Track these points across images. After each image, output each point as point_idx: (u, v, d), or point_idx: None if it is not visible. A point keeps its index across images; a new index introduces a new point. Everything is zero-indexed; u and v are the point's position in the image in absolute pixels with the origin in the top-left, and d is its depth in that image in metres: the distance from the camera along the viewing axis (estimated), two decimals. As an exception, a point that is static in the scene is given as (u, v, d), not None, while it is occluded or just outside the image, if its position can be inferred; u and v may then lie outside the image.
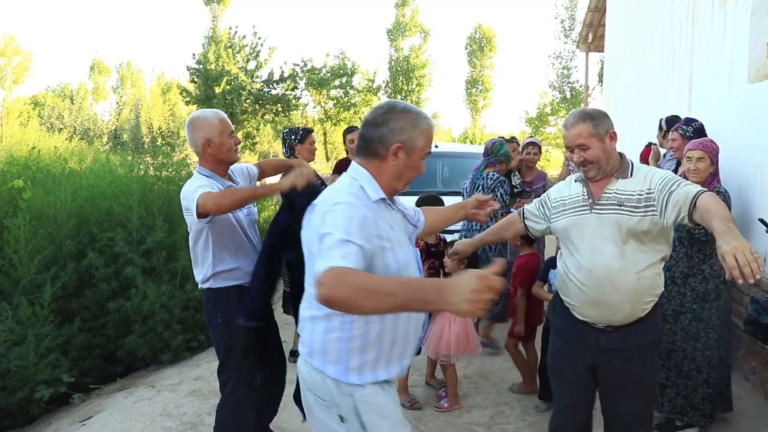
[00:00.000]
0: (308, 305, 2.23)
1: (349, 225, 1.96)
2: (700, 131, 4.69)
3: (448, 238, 5.48)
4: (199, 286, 3.54)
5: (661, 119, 5.83)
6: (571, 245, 2.89)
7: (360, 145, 2.25)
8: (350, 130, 6.62)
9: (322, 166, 29.91)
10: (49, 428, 4.94)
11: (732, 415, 4.26)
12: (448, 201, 5.10)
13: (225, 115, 3.51)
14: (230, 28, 26.70)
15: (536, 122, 34.87)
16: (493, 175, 5.96)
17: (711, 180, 4.01)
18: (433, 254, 4.87)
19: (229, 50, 25.64)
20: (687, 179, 4.51)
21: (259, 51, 26.24)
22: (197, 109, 15.07)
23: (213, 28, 27.66)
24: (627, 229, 2.69)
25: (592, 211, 2.81)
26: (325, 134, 31.10)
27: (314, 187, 3.15)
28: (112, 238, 5.98)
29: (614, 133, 2.81)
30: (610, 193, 2.78)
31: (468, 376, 5.15)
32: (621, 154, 2.85)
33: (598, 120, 2.76)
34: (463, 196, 6.09)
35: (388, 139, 2.17)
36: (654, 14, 7.90)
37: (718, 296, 3.99)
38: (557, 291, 3.09)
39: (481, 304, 1.61)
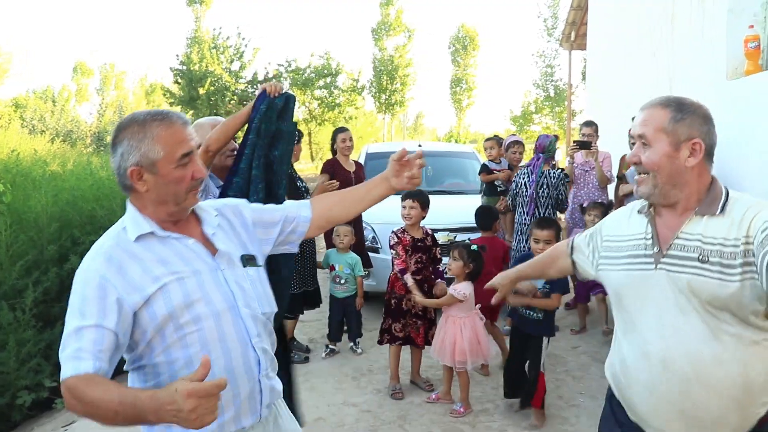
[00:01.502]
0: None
1: (83, 302, 1.70)
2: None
3: (438, 236, 5.51)
4: None
5: (634, 117, 5.91)
6: (627, 316, 2.03)
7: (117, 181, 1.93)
8: (341, 130, 6.61)
9: (307, 167, 29.89)
10: (30, 434, 4.91)
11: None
12: (433, 199, 5.16)
13: (222, 120, 3.58)
14: (214, 29, 26.63)
15: (521, 120, 35.00)
16: (555, 172, 6.11)
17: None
18: (420, 249, 4.87)
19: (213, 51, 25.55)
20: None
21: (243, 51, 26.17)
22: (181, 110, 15.16)
23: (196, 29, 27.56)
24: (712, 298, 1.80)
25: (658, 266, 1.92)
26: (310, 134, 31.05)
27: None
28: (94, 242, 5.92)
29: (701, 145, 1.89)
30: (690, 239, 1.87)
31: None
32: (713, 180, 1.95)
33: (686, 116, 1.89)
34: (518, 198, 6.21)
35: (123, 167, 1.82)
36: (634, 12, 7.96)
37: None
38: (611, 391, 2.17)
39: (207, 413, 1.46)
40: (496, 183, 6.95)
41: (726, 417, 1.83)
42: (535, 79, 34.26)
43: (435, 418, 4.42)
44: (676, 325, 1.86)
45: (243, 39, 26.08)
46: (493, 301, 2.74)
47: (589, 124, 6.72)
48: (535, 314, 4.29)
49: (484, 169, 7.03)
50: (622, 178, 6.25)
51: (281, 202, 2.47)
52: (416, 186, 2.21)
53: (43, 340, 5.40)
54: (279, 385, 2.03)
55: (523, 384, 4.42)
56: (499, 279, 2.72)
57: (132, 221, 1.86)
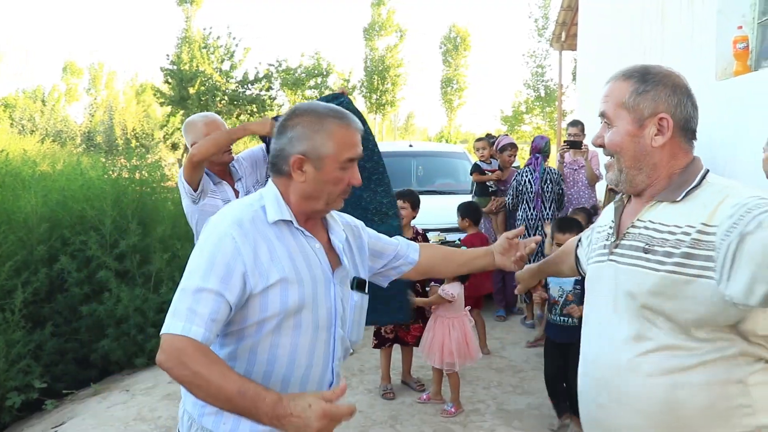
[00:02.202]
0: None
1: (210, 264, 1.66)
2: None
3: (429, 236, 5.53)
4: None
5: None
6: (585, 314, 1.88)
7: (269, 161, 1.92)
8: None
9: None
10: (20, 436, 4.89)
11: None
12: (424, 199, 5.17)
13: (215, 119, 3.65)
14: (204, 29, 26.51)
15: (511, 121, 35.05)
16: (554, 169, 6.44)
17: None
18: None
19: (204, 51, 25.44)
20: None
21: (234, 51, 26.07)
22: (171, 110, 15.07)
23: (186, 28, 27.44)
24: (647, 296, 1.56)
25: (609, 258, 1.72)
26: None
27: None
28: (84, 242, 5.90)
29: (669, 121, 1.60)
30: (641, 227, 1.65)
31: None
32: (693, 161, 1.66)
33: (649, 87, 1.61)
34: (522, 195, 6.39)
35: (287, 152, 1.79)
36: (625, 13, 7.99)
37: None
38: None
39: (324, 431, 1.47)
40: (487, 183, 6.96)
41: None
42: (526, 80, 34.31)
43: (426, 418, 4.43)
44: (605, 324, 1.69)
45: (234, 39, 25.98)
46: (516, 292, 2.67)
47: (575, 123, 6.76)
48: (571, 321, 4.14)
49: (476, 169, 7.04)
50: None
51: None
52: (519, 268, 2.30)
53: (33, 341, 5.38)
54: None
55: (562, 392, 4.23)
56: (522, 272, 2.51)
57: (276, 204, 1.80)
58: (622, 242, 1.67)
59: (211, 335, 1.61)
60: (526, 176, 6.35)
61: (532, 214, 6.27)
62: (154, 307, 5.90)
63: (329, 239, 1.92)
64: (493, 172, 6.99)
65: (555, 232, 4.44)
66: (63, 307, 5.87)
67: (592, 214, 5.72)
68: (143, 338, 5.79)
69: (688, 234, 1.50)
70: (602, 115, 1.70)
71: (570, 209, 6.33)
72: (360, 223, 2.15)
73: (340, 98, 3.57)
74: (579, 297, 4.10)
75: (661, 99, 1.60)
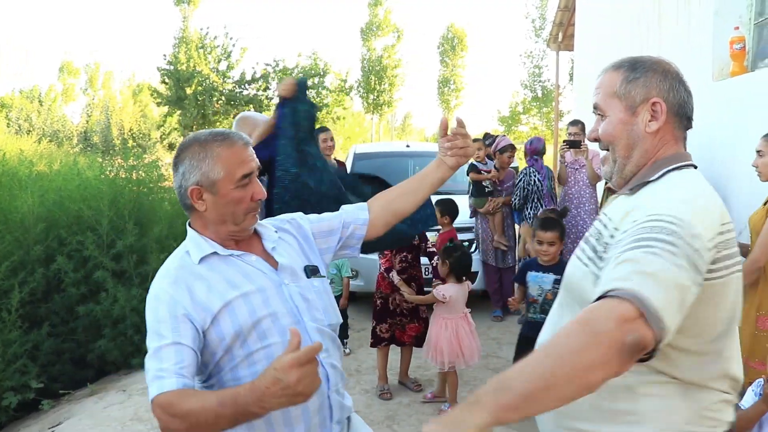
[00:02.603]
0: None
1: (157, 324, 1.71)
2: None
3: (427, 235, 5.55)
4: None
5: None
6: None
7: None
8: (322, 129, 6.58)
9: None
10: (17, 436, 4.88)
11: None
12: None
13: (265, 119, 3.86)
14: (201, 29, 26.50)
15: (508, 121, 35.08)
16: (550, 169, 6.83)
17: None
18: (405, 248, 4.88)
19: (201, 51, 25.43)
20: None
21: (231, 51, 26.07)
22: (168, 111, 15.07)
23: (184, 28, 27.41)
24: (574, 289, 1.61)
25: (577, 251, 1.73)
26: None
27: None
28: (81, 242, 5.89)
29: (662, 105, 1.57)
30: (597, 220, 1.67)
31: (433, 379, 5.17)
32: (677, 154, 1.60)
33: (640, 74, 1.59)
34: (532, 194, 6.60)
35: (184, 186, 1.83)
36: (622, 14, 8.00)
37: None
38: None
39: (311, 380, 1.46)
40: (483, 183, 6.96)
41: (540, 419, 1.65)
42: (523, 80, 34.36)
43: (423, 418, 4.43)
44: (551, 315, 1.72)
45: (230, 39, 25.98)
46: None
47: (576, 123, 6.78)
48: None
49: (473, 169, 7.05)
50: None
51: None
52: (468, 156, 2.12)
53: (30, 341, 5.37)
54: (349, 401, 2.00)
55: None
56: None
57: (194, 244, 1.86)
58: (587, 235, 1.68)
59: (187, 380, 1.63)
60: (534, 177, 6.52)
61: (539, 209, 6.44)
62: (150, 308, 5.89)
63: (263, 246, 1.96)
64: (488, 172, 7.00)
65: (537, 230, 4.40)
66: (60, 307, 5.86)
67: (562, 215, 5.73)
68: (140, 338, 5.78)
69: (608, 230, 1.52)
70: (595, 107, 1.69)
71: (570, 208, 6.38)
72: (298, 215, 2.16)
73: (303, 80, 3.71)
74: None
75: (652, 84, 1.58)
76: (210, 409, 1.54)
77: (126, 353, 5.78)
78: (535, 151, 6.68)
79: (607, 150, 1.68)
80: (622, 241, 1.36)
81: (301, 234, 2.08)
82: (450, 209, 5.89)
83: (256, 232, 1.97)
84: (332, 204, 2.48)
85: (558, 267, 4.20)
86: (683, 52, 5.79)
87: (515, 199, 6.67)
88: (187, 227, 1.92)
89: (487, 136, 7.69)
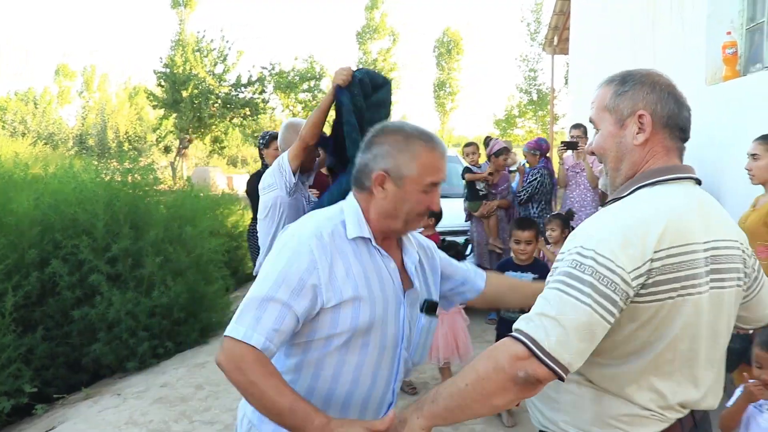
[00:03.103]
0: None
1: (285, 273, 1.68)
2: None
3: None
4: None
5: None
6: None
7: (353, 174, 1.92)
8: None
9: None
10: (11, 440, 4.87)
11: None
12: None
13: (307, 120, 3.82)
14: (198, 32, 26.49)
15: (504, 124, 35.13)
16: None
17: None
18: None
19: (197, 54, 25.41)
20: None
21: (227, 55, 26.06)
22: (164, 113, 15.06)
23: (180, 31, 27.39)
24: None
25: None
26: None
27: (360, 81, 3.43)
28: (76, 246, 5.89)
29: (648, 117, 1.60)
30: None
31: (436, 377, 5.17)
32: (670, 167, 1.62)
33: (628, 88, 1.63)
34: (539, 195, 6.74)
35: (371, 168, 1.81)
36: (616, 18, 8.03)
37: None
38: None
39: None
40: (478, 188, 6.97)
41: None
42: (519, 83, 34.42)
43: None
44: None
45: (227, 42, 25.98)
46: None
47: (578, 126, 6.82)
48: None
49: (467, 171, 7.07)
50: None
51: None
52: None
53: (24, 345, 5.37)
54: None
55: None
56: None
57: (356, 219, 1.81)
58: None
59: (272, 345, 1.63)
60: (547, 178, 6.69)
61: (545, 211, 6.62)
62: (145, 311, 5.89)
63: (402, 259, 1.93)
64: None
65: (515, 230, 4.43)
66: (54, 311, 5.86)
67: (569, 217, 5.72)
68: (135, 342, 5.78)
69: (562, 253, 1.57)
70: (590, 120, 1.73)
71: (568, 210, 6.39)
72: (432, 244, 2.14)
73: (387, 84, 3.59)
74: None
75: (639, 97, 1.61)
76: (280, 404, 1.56)
77: (121, 357, 5.78)
78: (546, 151, 6.87)
79: (602, 162, 1.73)
80: (555, 270, 1.52)
81: (432, 265, 2.07)
82: (435, 213, 5.91)
83: (398, 241, 1.95)
84: None
85: (534, 266, 4.26)
86: (677, 56, 5.82)
87: (523, 195, 6.76)
88: (351, 197, 1.88)
89: (489, 139, 7.69)
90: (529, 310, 1.50)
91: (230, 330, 1.63)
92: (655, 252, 1.44)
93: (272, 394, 1.57)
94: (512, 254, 4.47)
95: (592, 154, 1.75)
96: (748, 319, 1.84)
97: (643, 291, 1.45)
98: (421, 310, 1.90)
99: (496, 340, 4.38)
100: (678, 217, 1.51)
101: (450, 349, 4.51)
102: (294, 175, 3.59)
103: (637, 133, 1.60)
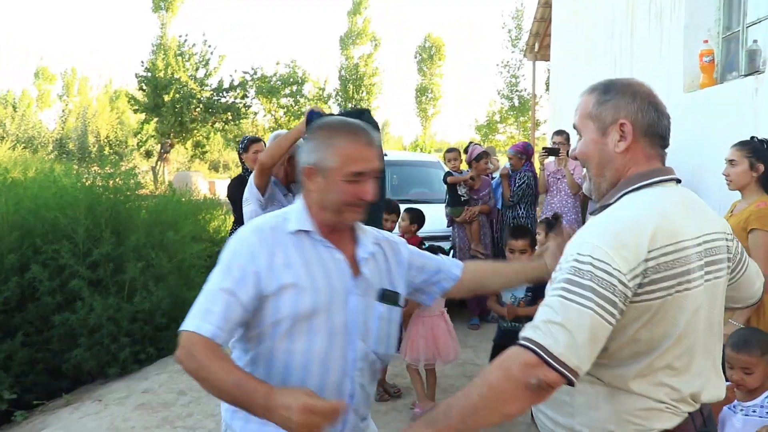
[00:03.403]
0: None
1: (228, 265, 1.81)
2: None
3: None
4: None
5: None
6: None
7: None
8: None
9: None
10: (-11, 447, 4.83)
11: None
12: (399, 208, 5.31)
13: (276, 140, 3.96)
14: (179, 36, 26.41)
15: (485, 130, 35.30)
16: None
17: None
18: None
19: (179, 58, 25.32)
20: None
21: (209, 59, 26.00)
22: (146, 118, 14.97)
23: (162, 35, 27.30)
24: None
25: None
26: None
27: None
28: (57, 251, 5.84)
29: (629, 126, 1.65)
30: None
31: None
32: (652, 171, 1.67)
33: (610, 96, 1.69)
34: (526, 197, 6.94)
35: (301, 163, 1.93)
36: (596, 26, 8.13)
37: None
38: None
39: (315, 429, 1.55)
40: (459, 193, 7.02)
41: None
42: (500, 89, 34.60)
43: (401, 426, 4.45)
44: None
45: (209, 46, 25.92)
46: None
47: (560, 132, 6.89)
48: (522, 327, 4.18)
49: (448, 176, 7.12)
50: None
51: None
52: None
53: (3, 351, 5.32)
54: (366, 427, 2.03)
55: None
56: None
57: (297, 215, 1.92)
58: None
59: (221, 333, 1.72)
60: (532, 180, 6.87)
61: (531, 213, 6.79)
62: (127, 317, 5.86)
63: (355, 251, 1.97)
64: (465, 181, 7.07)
65: (508, 239, 4.42)
66: (34, 317, 5.81)
67: (553, 226, 5.75)
68: (116, 347, 5.74)
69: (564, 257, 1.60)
70: (574, 127, 1.80)
71: (554, 214, 6.45)
72: (401, 240, 2.19)
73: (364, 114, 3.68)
74: (530, 303, 4.15)
75: (620, 106, 1.66)
76: (226, 383, 1.64)
77: (102, 363, 5.74)
78: (531, 155, 7.05)
79: (584, 168, 1.81)
80: (554, 279, 1.56)
81: (397, 258, 2.09)
82: (418, 218, 5.96)
83: (354, 235, 2.00)
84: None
85: None
86: (656, 64, 5.91)
87: (515, 197, 6.90)
88: (298, 198, 1.99)
89: (469, 145, 7.75)
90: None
91: (184, 324, 1.73)
92: (649, 252, 1.50)
93: (220, 374, 1.65)
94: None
95: (576, 158, 1.81)
96: (737, 298, 1.94)
97: (640, 290, 1.50)
98: (379, 299, 1.95)
99: (493, 349, 4.40)
100: (667, 217, 1.57)
101: (430, 351, 4.55)
102: (262, 193, 3.80)
103: (619, 141, 1.66)
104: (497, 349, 4.30)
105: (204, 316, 1.72)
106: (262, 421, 1.68)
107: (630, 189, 1.66)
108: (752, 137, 3.67)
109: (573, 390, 1.60)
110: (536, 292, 4.13)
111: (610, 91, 1.70)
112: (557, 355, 1.44)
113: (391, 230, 5.23)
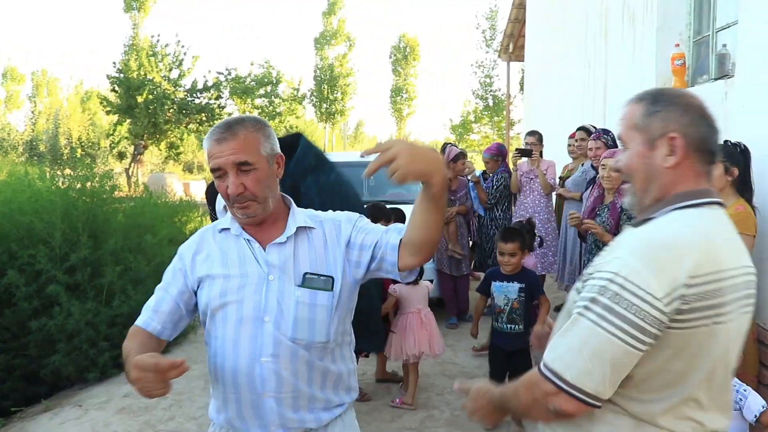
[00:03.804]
0: None
1: (167, 272, 2.08)
2: (615, 141, 5.06)
3: None
4: None
5: (585, 126, 6.26)
6: None
7: None
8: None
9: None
10: (-33, 455, 4.79)
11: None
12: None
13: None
14: (152, 36, 26.20)
15: (460, 129, 35.51)
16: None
17: (622, 189, 4.30)
18: None
19: (152, 59, 25.13)
20: (602, 186, 4.80)
21: (182, 59, 25.83)
22: (118, 119, 14.90)
23: (134, 36, 27.07)
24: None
25: None
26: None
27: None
28: (33, 256, 5.78)
29: (680, 140, 1.55)
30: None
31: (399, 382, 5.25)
32: (699, 191, 1.58)
33: (660, 108, 1.59)
34: (502, 198, 7.08)
35: None
36: (570, 28, 8.25)
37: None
38: None
39: (152, 387, 1.66)
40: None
41: None
42: (475, 89, 34.85)
43: (383, 425, 4.50)
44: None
45: (182, 47, 25.76)
46: None
47: (533, 133, 6.98)
48: (516, 328, 4.24)
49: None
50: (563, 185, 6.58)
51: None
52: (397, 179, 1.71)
53: (-19, 356, 5.26)
54: (305, 418, 1.99)
55: None
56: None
57: (227, 216, 2.08)
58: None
59: (155, 323, 1.99)
60: (508, 181, 6.94)
61: (508, 215, 6.95)
62: (106, 321, 5.82)
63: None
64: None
65: (498, 242, 4.44)
66: (10, 323, 5.74)
67: (530, 225, 5.78)
68: (95, 352, 5.70)
69: (590, 270, 1.56)
70: (619, 138, 1.71)
71: (525, 217, 6.53)
72: (348, 217, 2.08)
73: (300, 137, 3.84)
74: (523, 304, 4.22)
75: (671, 119, 1.57)
76: (125, 355, 1.88)
77: (81, 367, 5.69)
78: (505, 155, 7.15)
79: (626, 182, 1.70)
80: (579, 292, 1.54)
81: (335, 239, 2.02)
82: (401, 217, 6.02)
83: (286, 223, 2.02)
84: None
85: (521, 275, 4.29)
86: (628, 65, 6.03)
87: (491, 200, 7.03)
88: None
89: (445, 146, 7.81)
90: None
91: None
92: (691, 278, 1.41)
93: (125, 350, 1.90)
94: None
95: (618, 171, 1.71)
96: None
97: (678, 317, 1.42)
98: (301, 284, 1.94)
99: (490, 350, 4.58)
100: (712, 242, 1.49)
101: (424, 345, 4.69)
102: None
103: (668, 156, 1.57)
104: (494, 350, 4.47)
105: (143, 311, 2.02)
106: (221, 410, 2.01)
107: (677, 206, 1.56)
108: (725, 141, 3.69)
109: (594, 418, 1.54)
110: (529, 291, 4.24)
111: (659, 101, 1.60)
112: (571, 381, 1.44)
113: None
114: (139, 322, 1.99)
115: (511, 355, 4.27)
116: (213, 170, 1.92)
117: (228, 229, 2.02)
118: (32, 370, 5.75)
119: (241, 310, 1.92)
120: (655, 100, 1.60)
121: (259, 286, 1.93)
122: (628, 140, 1.64)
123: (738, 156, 3.65)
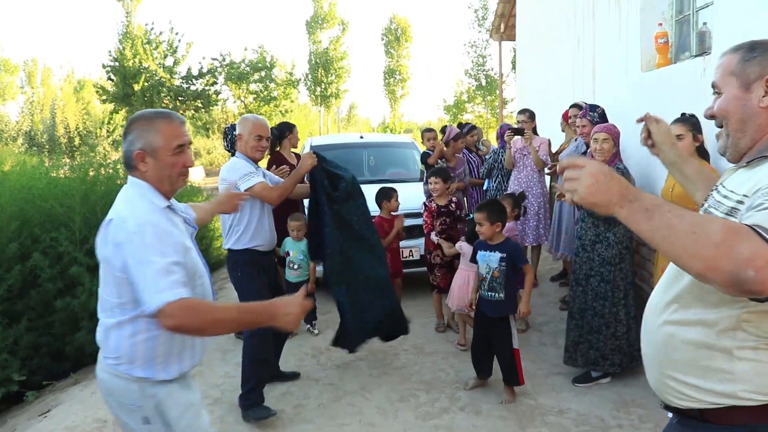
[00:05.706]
0: (110, 313, 2.30)
1: (164, 246, 2.16)
2: (603, 116, 5.37)
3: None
4: (224, 247, 4.52)
5: (577, 103, 6.53)
6: None
7: (124, 162, 2.41)
8: (293, 126, 6.89)
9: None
10: (5, 426, 5.07)
11: (640, 366, 4.80)
12: (376, 188, 5.88)
13: (262, 122, 4.41)
14: (146, 24, 26.27)
15: (454, 109, 35.66)
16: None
17: (613, 159, 4.61)
18: (444, 213, 5.82)
19: (147, 46, 25.22)
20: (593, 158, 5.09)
21: (177, 47, 25.93)
22: (115, 107, 15.21)
23: (127, 24, 27.11)
24: None
25: None
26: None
27: (322, 159, 4.53)
28: (55, 239, 6.07)
29: None
30: (714, 192, 1.75)
31: (406, 348, 5.57)
32: None
33: (756, 54, 1.67)
34: (496, 171, 7.49)
35: (131, 151, 2.30)
36: (559, 7, 8.50)
37: (622, 260, 4.54)
38: None
39: (296, 321, 2.19)
40: (437, 171, 7.38)
41: (650, 366, 1.81)
42: (467, 69, 34.98)
43: (393, 386, 4.82)
44: (665, 274, 1.81)
45: (176, 34, 25.84)
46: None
47: (524, 111, 7.24)
48: (497, 296, 4.45)
49: (427, 157, 7.45)
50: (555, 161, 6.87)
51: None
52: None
53: (9, 336, 5.55)
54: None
55: (489, 363, 4.66)
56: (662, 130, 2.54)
57: (153, 195, 2.32)
58: (703, 206, 1.77)
59: (190, 293, 2.17)
60: (502, 156, 7.29)
61: (504, 187, 7.28)
62: (126, 299, 6.10)
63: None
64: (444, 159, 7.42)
65: (475, 213, 4.65)
66: (36, 303, 6.04)
67: (519, 200, 6.03)
68: (117, 329, 5.99)
69: (732, 201, 1.58)
70: (713, 86, 1.77)
71: (518, 191, 6.83)
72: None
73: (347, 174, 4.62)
74: (504, 273, 4.42)
75: (767, 63, 1.65)
76: (230, 313, 2.23)
77: (104, 344, 5.98)
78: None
79: (721, 126, 1.76)
80: (756, 200, 1.44)
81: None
82: (386, 196, 6.35)
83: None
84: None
85: (503, 245, 4.50)
86: (615, 44, 6.31)
87: (482, 171, 7.57)
88: (137, 180, 2.34)
89: (445, 128, 8.05)
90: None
91: (158, 301, 2.07)
92: None
93: (223, 313, 2.21)
94: None
95: (711, 117, 1.78)
96: None
97: None
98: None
99: (474, 315, 4.78)
100: None
101: (461, 299, 5.17)
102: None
103: (764, 96, 1.65)
104: (478, 315, 4.68)
105: (173, 287, 2.09)
106: (185, 387, 2.39)
107: None
108: (682, 114, 4.19)
109: (732, 358, 1.55)
110: (511, 261, 4.45)
111: (756, 49, 1.68)
112: None
113: (396, 210, 6.02)
114: (186, 294, 2.12)
115: (492, 322, 4.51)
116: (179, 146, 2.32)
117: (168, 206, 2.40)
118: (57, 347, 6.06)
119: (198, 269, 2.44)
120: (752, 47, 1.69)
121: (194, 249, 2.49)
122: (724, 85, 1.72)
123: (699, 125, 4.04)
